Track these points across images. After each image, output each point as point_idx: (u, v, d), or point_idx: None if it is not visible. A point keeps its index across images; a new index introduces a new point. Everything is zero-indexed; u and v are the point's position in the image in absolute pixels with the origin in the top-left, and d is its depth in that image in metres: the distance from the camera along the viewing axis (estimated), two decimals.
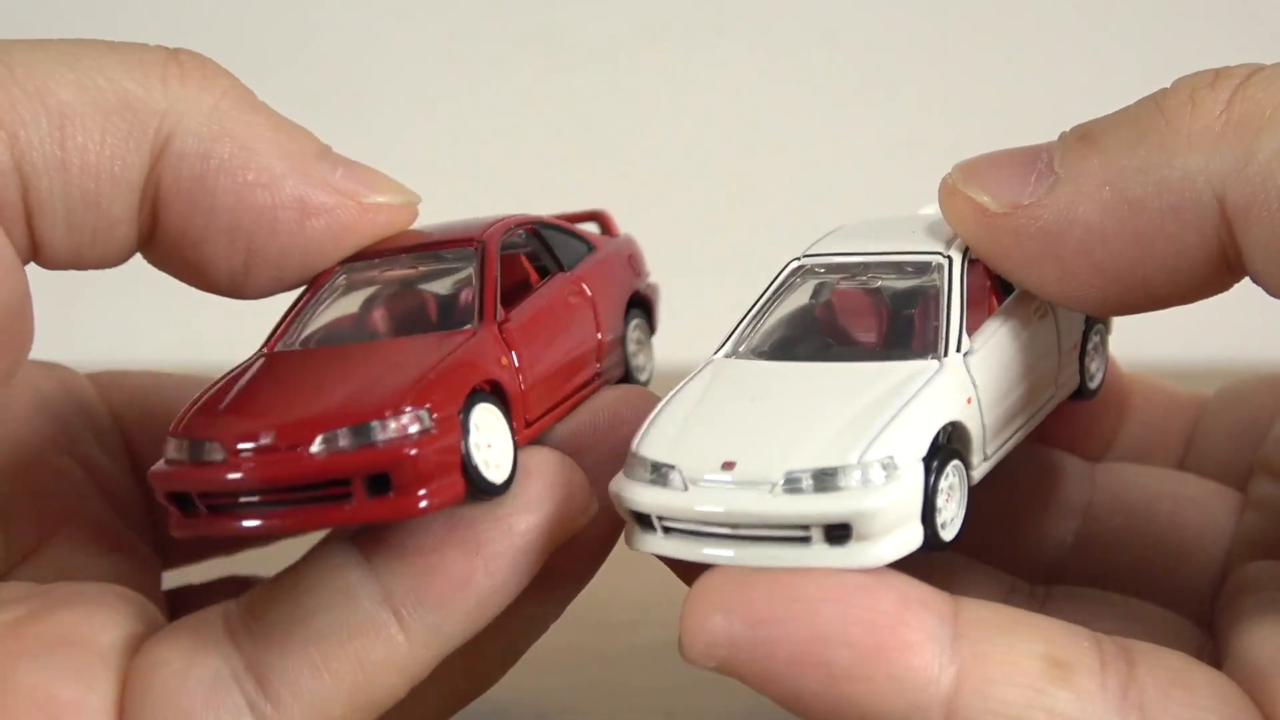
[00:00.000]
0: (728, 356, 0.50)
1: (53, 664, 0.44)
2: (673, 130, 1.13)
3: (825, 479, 0.43)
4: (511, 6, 1.13)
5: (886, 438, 0.44)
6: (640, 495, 0.45)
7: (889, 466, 0.44)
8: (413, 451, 0.43)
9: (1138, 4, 1.10)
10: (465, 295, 0.50)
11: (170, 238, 0.47)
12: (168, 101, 0.46)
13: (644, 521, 0.45)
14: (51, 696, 0.43)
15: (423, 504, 0.43)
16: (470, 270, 0.50)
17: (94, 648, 0.45)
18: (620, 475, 0.46)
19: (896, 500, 0.43)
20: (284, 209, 0.47)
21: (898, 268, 0.51)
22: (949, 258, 0.50)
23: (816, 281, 0.51)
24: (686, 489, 0.44)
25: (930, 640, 0.41)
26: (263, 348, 0.49)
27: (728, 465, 0.44)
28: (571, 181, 1.06)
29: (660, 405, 0.48)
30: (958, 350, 0.48)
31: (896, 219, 0.54)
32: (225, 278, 0.48)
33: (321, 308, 0.50)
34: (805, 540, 0.43)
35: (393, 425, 0.44)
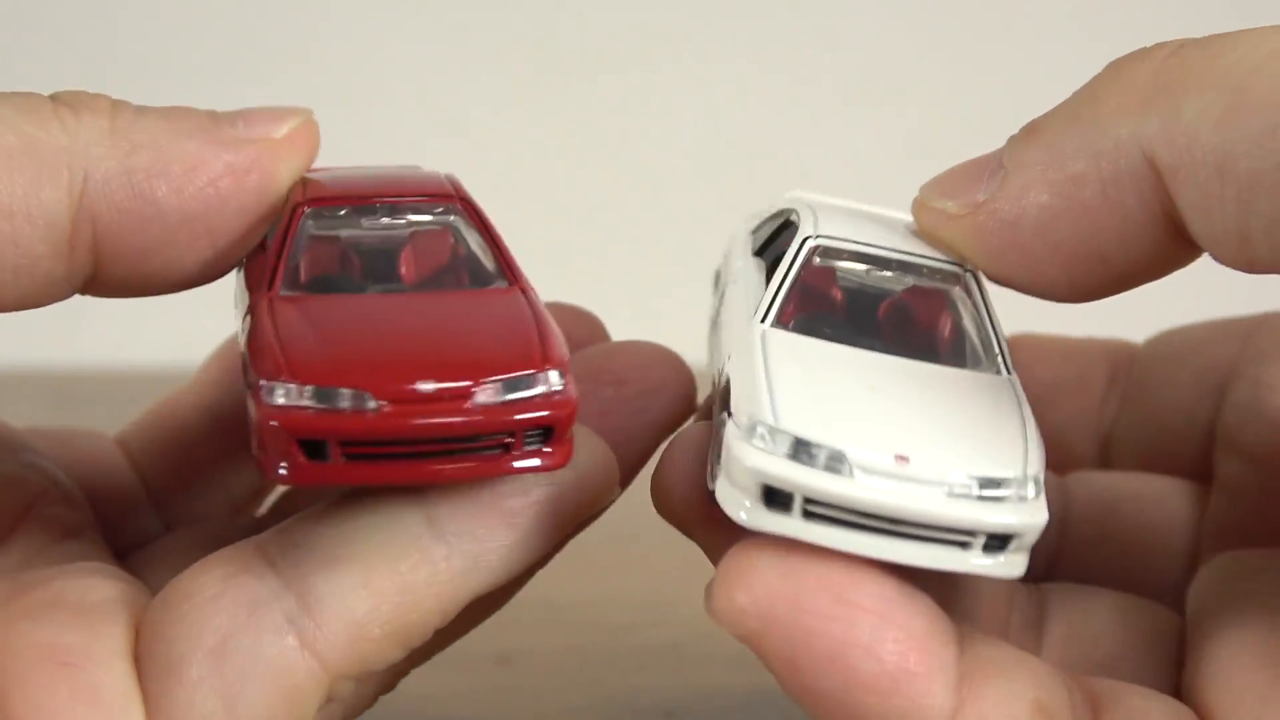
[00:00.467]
0: (774, 327, 0.47)
1: (51, 620, 0.44)
2: (672, 130, 1.13)
3: (994, 488, 0.43)
4: (512, 7, 1.13)
5: (1034, 455, 0.45)
6: (798, 474, 0.42)
7: (1038, 484, 0.44)
8: (570, 406, 0.45)
9: (1138, 4, 1.10)
10: (465, 252, 0.50)
11: (127, 262, 0.48)
12: (68, 138, 0.46)
13: (771, 500, 0.43)
14: (56, 645, 0.43)
15: (559, 459, 0.45)
16: (456, 224, 0.51)
17: (87, 605, 0.44)
18: (737, 441, 0.43)
19: (1047, 518, 0.44)
20: (220, 180, 0.47)
21: (919, 271, 0.50)
22: (971, 272, 0.50)
23: (836, 266, 0.50)
24: (853, 475, 0.42)
25: (944, 671, 0.42)
26: (260, 292, 0.48)
27: (901, 459, 0.43)
28: (571, 181, 1.06)
29: (756, 370, 0.45)
30: (1010, 370, 0.49)
31: (862, 208, 0.54)
32: (197, 269, 0.48)
33: (305, 253, 0.49)
34: (965, 545, 0.43)
35: (550, 378, 0.45)
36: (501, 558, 0.45)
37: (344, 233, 0.50)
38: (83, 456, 0.57)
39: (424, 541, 0.45)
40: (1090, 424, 0.60)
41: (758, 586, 0.42)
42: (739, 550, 0.43)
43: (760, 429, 0.43)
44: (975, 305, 0.50)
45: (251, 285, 0.50)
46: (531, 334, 0.46)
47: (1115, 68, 0.47)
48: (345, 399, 0.43)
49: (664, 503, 0.48)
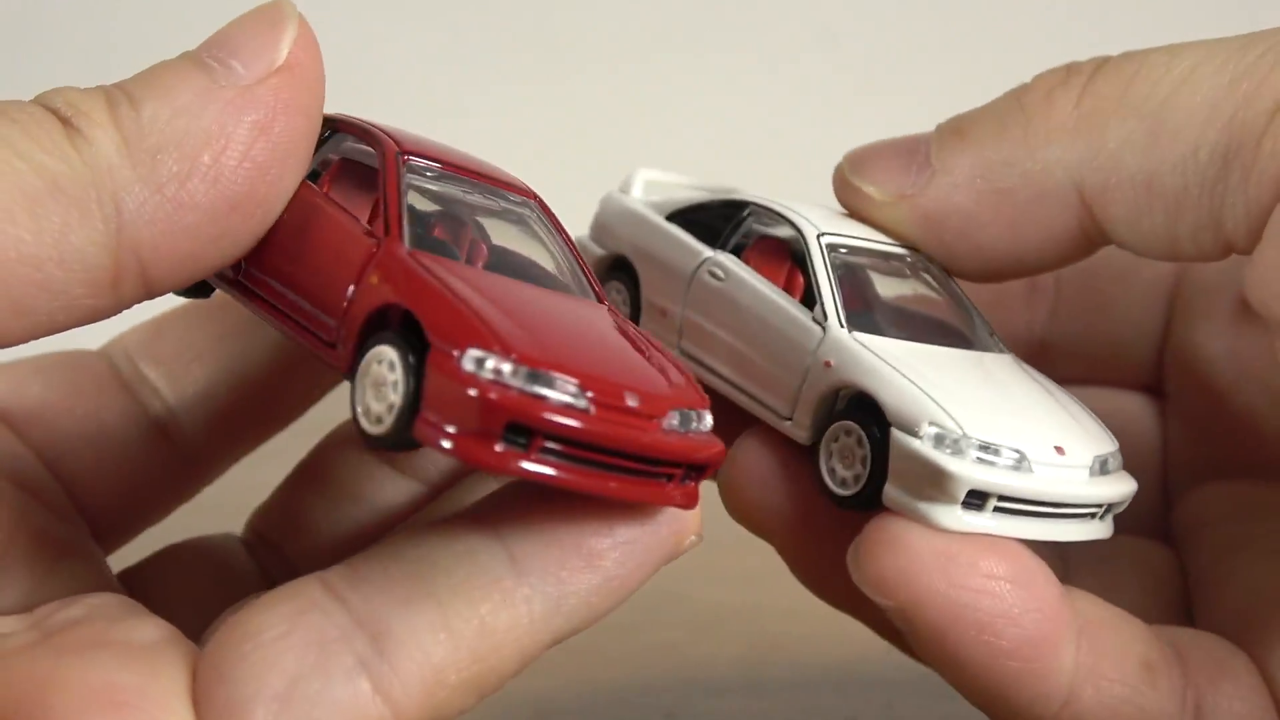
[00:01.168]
0: (853, 331, 0.50)
1: (103, 660, 0.41)
2: (671, 130, 1.13)
3: (1108, 464, 0.49)
4: (511, 6, 1.13)
5: (1101, 423, 0.51)
6: (999, 476, 0.46)
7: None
8: (723, 451, 0.44)
9: (1138, 4, 1.10)
10: (565, 259, 0.49)
11: (181, 270, 0.44)
12: (87, 166, 0.43)
13: (968, 502, 0.46)
14: (112, 685, 0.40)
15: (695, 499, 0.44)
16: (535, 224, 0.49)
17: (136, 645, 0.42)
18: (932, 453, 0.46)
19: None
20: (253, 148, 0.44)
21: (902, 259, 0.53)
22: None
23: (850, 262, 0.52)
24: (1034, 470, 0.47)
25: (1070, 635, 0.46)
26: (369, 234, 0.45)
27: (1059, 450, 0.48)
28: (568, 181, 1.06)
29: (897, 378, 0.48)
30: (1002, 343, 0.54)
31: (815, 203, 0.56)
32: (251, 238, 0.45)
33: (411, 206, 0.47)
34: (1094, 516, 0.49)
35: (707, 420, 0.44)
36: (584, 601, 0.43)
37: (442, 194, 0.48)
38: (62, 434, 0.54)
39: (506, 582, 0.42)
40: (1020, 332, 0.61)
41: (911, 561, 0.46)
42: (884, 524, 0.47)
43: (950, 439, 0.47)
44: (950, 286, 0.54)
45: (325, 211, 0.45)
46: (684, 369, 0.46)
47: (1043, 90, 0.51)
48: (563, 389, 0.41)
49: (743, 510, 0.50)
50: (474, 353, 0.40)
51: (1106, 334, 0.61)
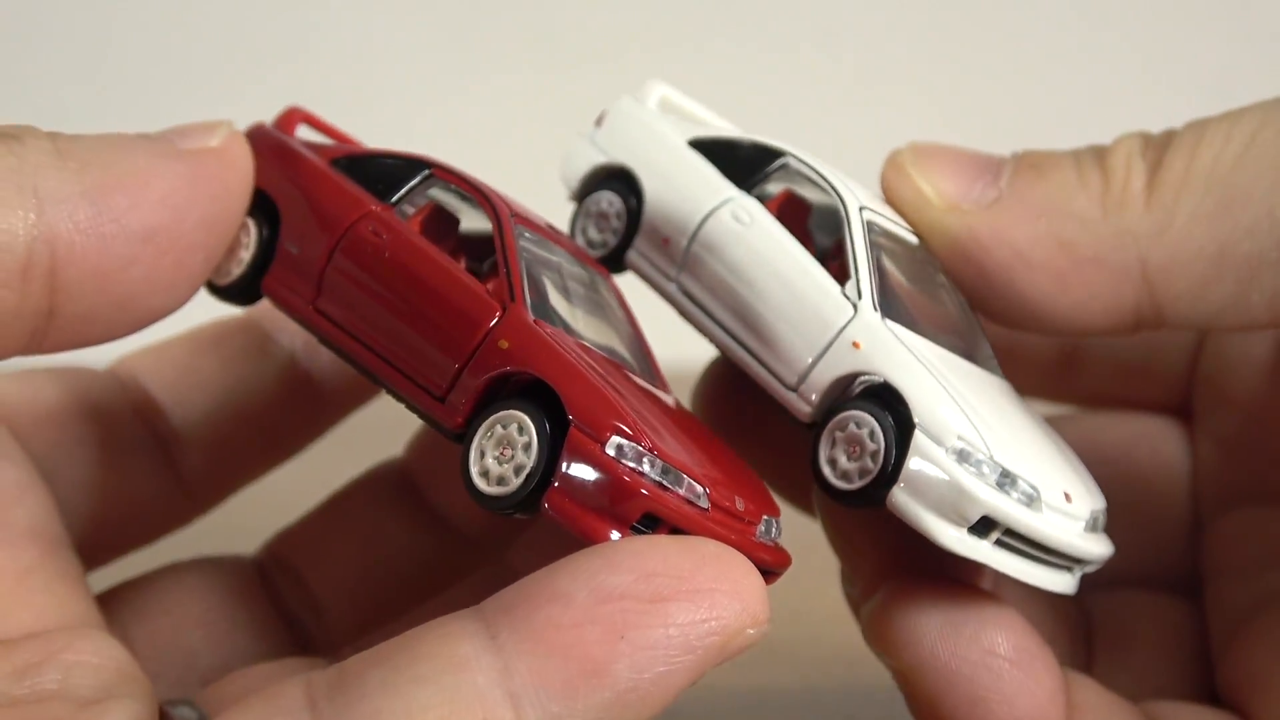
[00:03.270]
0: (885, 317, 0.48)
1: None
2: None
3: (1098, 521, 0.49)
4: (511, 5, 1.13)
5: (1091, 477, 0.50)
6: (1016, 510, 0.46)
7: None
8: (789, 561, 0.46)
9: (1139, 4, 1.10)
10: (633, 341, 0.51)
11: (90, 288, 0.44)
12: (16, 159, 0.43)
13: (975, 526, 0.46)
14: None
15: None
16: (607, 298, 0.51)
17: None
18: (955, 466, 0.45)
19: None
20: (176, 190, 0.45)
21: (929, 260, 0.52)
22: None
23: (882, 245, 0.51)
24: (1043, 511, 0.46)
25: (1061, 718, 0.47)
26: (493, 298, 0.46)
27: (1068, 497, 0.47)
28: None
29: (929, 382, 0.46)
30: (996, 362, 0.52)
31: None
32: (164, 290, 0.46)
33: (528, 271, 0.48)
34: (1070, 570, 0.49)
35: (776, 526, 0.46)
36: (591, 713, 0.37)
37: (542, 260, 0.49)
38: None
39: (492, 699, 0.37)
40: (1045, 343, 0.61)
41: (918, 625, 0.47)
42: (901, 588, 0.48)
43: (975, 458, 0.46)
44: (960, 297, 0.52)
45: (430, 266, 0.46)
46: (758, 478, 0.47)
47: (1123, 153, 0.50)
48: (688, 487, 0.43)
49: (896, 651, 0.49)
50: (618, 440, 0.42)
51: (1136, 347, 0.60)
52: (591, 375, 0.44)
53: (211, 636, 0.54)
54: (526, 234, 0.49)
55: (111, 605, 0.54)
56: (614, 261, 0.54)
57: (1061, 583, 0.48)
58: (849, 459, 0.46)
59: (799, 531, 0.52)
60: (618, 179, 0.54)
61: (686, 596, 0.38)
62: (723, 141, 0.53)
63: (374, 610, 0.56)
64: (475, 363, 0.45)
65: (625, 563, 0.38)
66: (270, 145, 0.51)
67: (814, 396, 0.48)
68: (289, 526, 0.58)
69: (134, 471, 0.54)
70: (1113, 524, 0.51)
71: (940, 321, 0.50)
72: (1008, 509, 0.45)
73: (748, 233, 0.50)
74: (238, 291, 0.50)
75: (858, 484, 0.46)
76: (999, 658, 0.46)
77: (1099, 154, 0.50)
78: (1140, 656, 0.56)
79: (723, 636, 0.38)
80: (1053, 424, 0.57)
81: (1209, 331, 0.51)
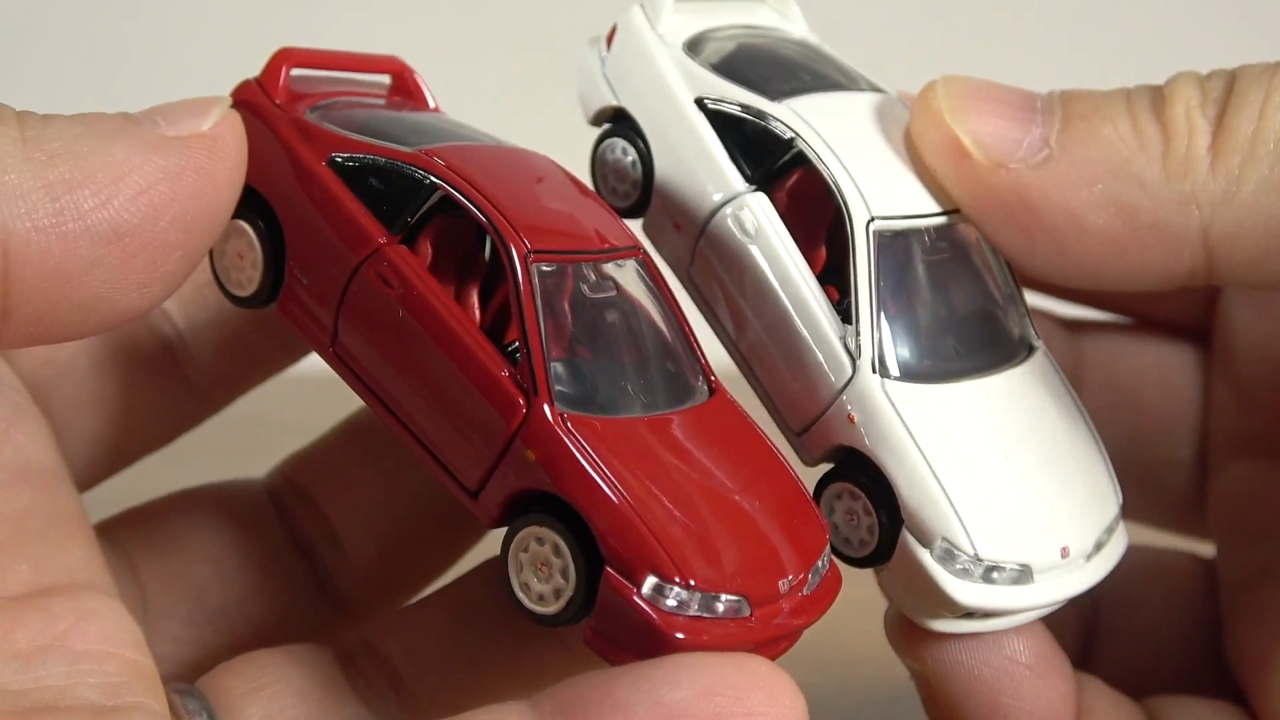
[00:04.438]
0: (886, 379, 0.45)
1: None
2: None
3: (1107, 536, 0.48)
4: (511, 4, 1.12)
5: (1108, 461, 0.49)
6: (997, 598, 0.45)
7: (1121, 509, 0.49)
8: (841, 580, 0.44)
9: (1138, 5, 1.09)
10: (672, 334, 0.45)
11: (46, 289, 0.41)
12: None
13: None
14: None
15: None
16: (640, 292, 0.45)
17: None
18: (938, 570, 0.45)
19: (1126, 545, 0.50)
20: (154, 186, 0.42)
21: (954, 233, 0.48)
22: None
23: (898, 243, 0.46)
24: (1034, 581, 0.46)
25: None
26: (516, 390, 0.42)
27: (1064, 551, 0.46)
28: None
29: (919, 467, 0.44)
30: (1037, 335, 0.49)
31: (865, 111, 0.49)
32: (133, 294, 0.43)
33: (545, 318, 0.43)
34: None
35: (827, 554, 0.44)
36: None
37: (570, 299, 0.44)
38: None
39: None
40: None
41: (944, 634, 0.47)
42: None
43: (961, 560, 0.45)
44: (990, 260, 0.48)
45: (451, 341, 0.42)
46: (802, 494, 0.44)
47: (1180, 105, 0.46)
48: (730, 607, 0.40)
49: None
50: (653, 580, 0.40)
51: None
52: (625, 503, 0.40)
53: (221, 572, 0.52)
54: (553, 270, 0.43)
55: (118, 534, 0.52)
56: (639, 213, 0.50)
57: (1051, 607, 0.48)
58: (848, 528, 0.46)
59: None
60: (624, 122, 0.49)
61: (743, 714, 0.39)
62: (729, 116, 0.48)
63: (395, 545, 0.54)
64: (503, 470, 0.42)
65: (685, 678, 0.39)
66: (256, 135, 0.45)
67: (817, 455, 0.47)
68: (305, 450, 0.55)
69: (140, 377, 0.51)
70: (1117, 458, 0.49)
71: (958, 325, 0.47)
72: (989, 600, 0.45)
73: (752, 247, 0.47)
74: (262, 302, 0.47)
75: (861, 554, 0.46)
76: (1020, 665, 0.47)
77: (1154, 103, 0.46)
78: (1146, 618, 0.56)
79: None
80: (1073, 334, 0.56)
81: (1262, 290, 0.49)
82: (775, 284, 0.46)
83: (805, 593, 0.42)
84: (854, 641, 0.55)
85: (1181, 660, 0.56)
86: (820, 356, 0.45)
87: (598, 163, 0.50)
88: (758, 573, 0.41)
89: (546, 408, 0.41)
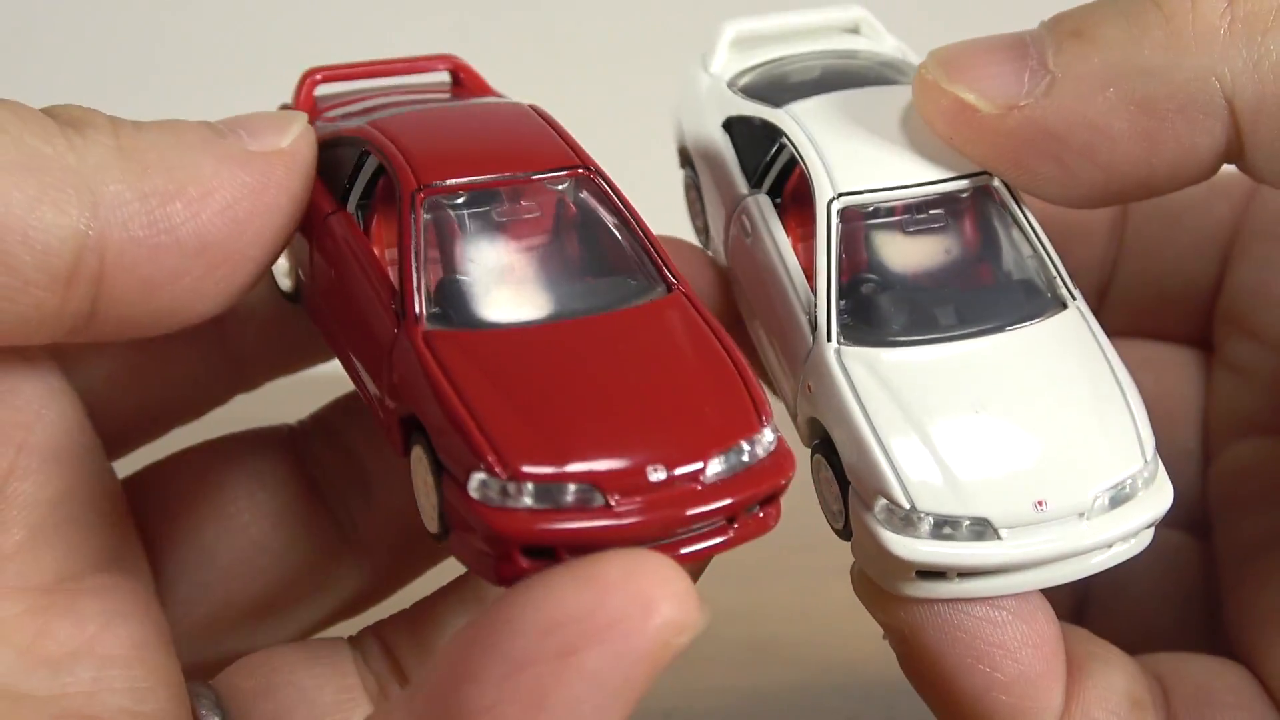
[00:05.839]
0: (843, 345, 0.45)
1: None
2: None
3: (1122, 490, 0.44)
4: (511, 4, 1.13)
5: (1143, 426, 0.45)
6: (948, 552, 0.43)
7: (1156, 459, 0.45)
8: (792, 465, 0.40)
9: None
10: (604, 240, 0.44)
11: (133, 297, 0.42)
12: (76, 157, 0.41)
13: (926, 573, 0.44)
14: None
15: (775, 519, 0.40)
16: (586, 209, 0.45)
17: None
18: (882, 530, 0.43)
19: (1171, 495, 0.45)
20: (239, 202, 0.43)
21: (952, 201, 0.47)
22: (1003, 181, 0.47)
23: (868, 225, 0.46)
24: (1000, 537, 0.43)
25: (1061, 673, 0.45)
26: (392, 318, 0.42)
27: (1040, 504, 0.43)
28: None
29: (861, 428, 0.43)
30: (1074, 292, 0.47)
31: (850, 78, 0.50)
32: (209, 302, 0.44)
33: (431, 259, 0.43)
34: (1107, 547, 0.44)
35: (767, 436, 0.40)
36: None
37: (466, 224, 0.44)
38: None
39: None
40: (1093, 273, 0.58)
41: (917, 603, 0.44)
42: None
43: (899, 515, 0.43)
44: (1016, 219, 0.47)
45: (347, 273, 0.43)
46: (736, 381, 0.41)
47: None
48: (577, 496, 0.37)
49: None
50: (477, 476, 0.38)
51: (1158, 282, 0.57)
52: (458, 402, 0.39)
53: (231, 529, 0.52)
54: (453, 200, 0.44)
55: (134, 495, 0.51)
56: (708, 239, 0.53)
57: (1087, 568, 0.45)
58: (832, 500, 0.45)
59: (799, 531, 0.51)
60: (688, 160, 0.53)
61: (595, 639, 0.34)
62: (742, 119, 0.50)
63: None
64: (386, 397, 0.42)
65: (524, 620, 0.34)
66: None
67: (804, 434, 0.46)
68: (343, 397, 0.54)
69: (183, 346, 0.51)
70: None
71: (939, 295, 0.46)
72: (944, 555, 0.43)
73: (750, 245, 0.48)
74: (296, 299, 0.49)
75: (841, 525, 0.45)
76: (1002, 610, 0.44)
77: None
78: (1137, 592, 0.54)
79: (648, 663, 0.34)
80: None
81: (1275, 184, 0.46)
82: (765, 274, 0.47)
83: (707, 480, 0.38)
84: (854, 641, 0.55)
85: (1174, 634, 0.54)
86: (795, 336, 0.46)
87: (687, 188, 0.55)
88: (617, 461, 0.38)
89: (412, 329, 0.41)
